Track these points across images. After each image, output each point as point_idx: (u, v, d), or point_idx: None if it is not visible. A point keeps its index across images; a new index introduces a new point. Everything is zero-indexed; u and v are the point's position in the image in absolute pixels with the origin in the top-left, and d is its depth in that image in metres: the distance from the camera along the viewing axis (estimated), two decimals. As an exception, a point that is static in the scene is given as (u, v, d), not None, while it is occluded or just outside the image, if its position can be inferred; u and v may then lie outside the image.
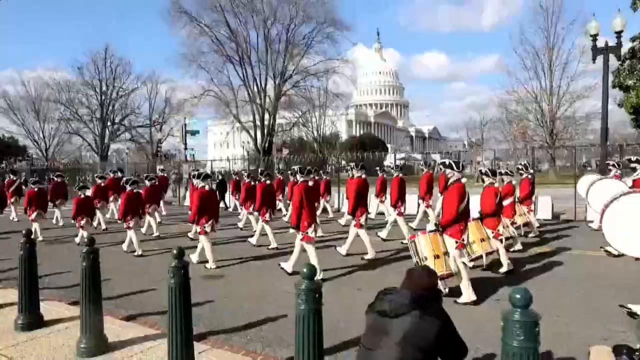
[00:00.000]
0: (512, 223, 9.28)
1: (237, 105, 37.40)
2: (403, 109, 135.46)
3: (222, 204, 20.20)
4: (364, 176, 9.37)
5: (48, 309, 5.70)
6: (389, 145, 79.93)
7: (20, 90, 51.76)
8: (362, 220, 8.96)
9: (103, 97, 51.97)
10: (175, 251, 3.77)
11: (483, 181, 8.14)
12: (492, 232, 7.65)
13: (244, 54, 36.66)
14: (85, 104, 53.28)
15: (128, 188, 10.41)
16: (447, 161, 6.46)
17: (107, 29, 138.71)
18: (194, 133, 30.16)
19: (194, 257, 8.73)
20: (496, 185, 7.97)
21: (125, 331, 5.06)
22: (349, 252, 9.19)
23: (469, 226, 6.90)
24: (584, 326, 5.11)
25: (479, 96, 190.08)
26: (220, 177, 21.67)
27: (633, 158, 9.40)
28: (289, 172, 11.91)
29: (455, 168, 6.24)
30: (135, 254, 9.90)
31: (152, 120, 56.46)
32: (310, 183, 7.82)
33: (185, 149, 29.50)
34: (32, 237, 5.41)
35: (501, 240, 7.87)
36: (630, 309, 5.24)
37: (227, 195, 20.00)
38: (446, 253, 5.99)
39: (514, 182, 9.67)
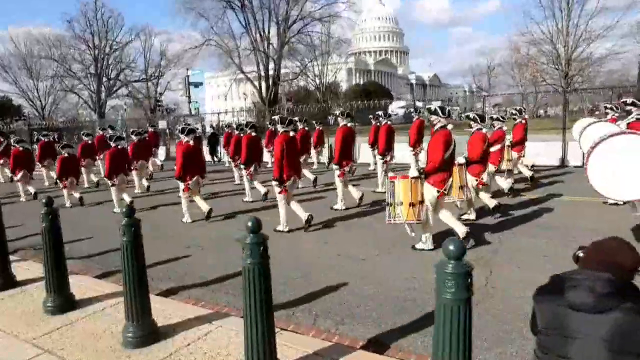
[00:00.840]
0: (497, 170, 9.22)
1: (239, 55, 35.82)
2: (403, 56, 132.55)
3: (215, 158, 20.47)
4: (350, 124, 9.19)
5: (77, 284, 5.04)
6: (393, 94, 78.49)
7: (10, 47, 50.61)
8: (347, 169, 8.91)
9: (97, 52, 50.69)
10: (249, 223, 2.94)
11: (470, 127, 8.00)
12: (476, 179, 7.61)
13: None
14: (78, 60, 52.12)
15: (112, 145, 10.25)
16: (432, 107, 6.35)
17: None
18: (198, 85, 29.51)
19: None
20: (484, 130, 7.80)
21: (173, 310, 4.43)
22: (347, 205, 9.14)
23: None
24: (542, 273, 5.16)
25: (481, 42, 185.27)
26: (212, 130, 21.56)
27: (628, 100, 9.12)
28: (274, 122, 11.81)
29: (440, 114, 6.10)
30: (114, 210, 9.97)
31: (148, 74, 55.45)
32: (291, 134, 7.68)
33: (189, 102, 28.94)
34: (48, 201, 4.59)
35: (487, 185, 7.97)
36: None
37: (220, 149, 19.99)
38: (422, 202, 6.00)
39: (504, 128, 9.50)
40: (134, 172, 12.37)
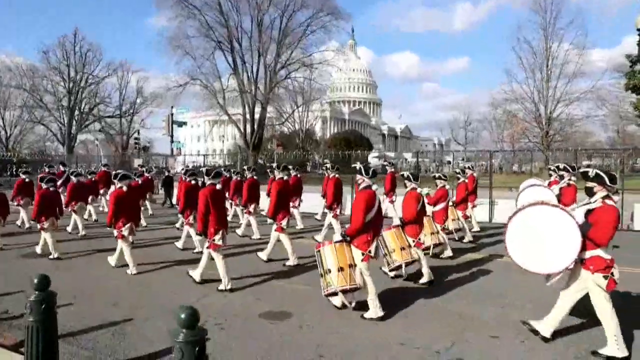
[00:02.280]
0: (443, 229, 9.11)
1: (224, 97, 34.88)
2: (376, 107, 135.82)
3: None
4: (285, 177, 9.28)
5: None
6: (374, 145, 79.27)
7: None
8: (284, 224, 8.61)
9: (71, 84, 49.25)
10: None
11: (406, 186, 7.95)
12: (413, 240, 7.28)
13: (234, 41, 34.25)
14: (50, 91, 50.48)
15: (44, 186, 9.61)
16: (357, 166, 6.14)
17: (74, 14, 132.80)
18: (181, 124, 28.53)
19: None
20: (419, 190, 7.66)
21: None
22: (270, 257, 8.90)
23: (389, 234, 6.94)
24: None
25: (448, 97, 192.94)
26: (166, 173, 20.52)
27: (561, 165, 9.20)
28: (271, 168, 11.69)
29: (364, 174, 5.88)
30: (51, 257, 9.29)
31: (122, 111, 54.16)
32: (218, 186, 7.43)
33: (172, 141, 27.78)
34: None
35: (428, 248, 8.02)
36: (531, 325, 5.13)
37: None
38: (352, 265, 5.71)
39: (447, 187, 9.51)
40: (74, 214, 11.95)
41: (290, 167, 12.41)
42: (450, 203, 10.07)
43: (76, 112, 50.49)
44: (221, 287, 6.99)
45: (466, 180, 10.99)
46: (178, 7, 34.33)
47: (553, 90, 34.24)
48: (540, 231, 4.67)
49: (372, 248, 5.72)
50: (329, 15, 34.88)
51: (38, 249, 9.66)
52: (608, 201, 4.61)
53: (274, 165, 8.21)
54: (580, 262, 4.64)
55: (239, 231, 11.71)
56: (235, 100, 35.96)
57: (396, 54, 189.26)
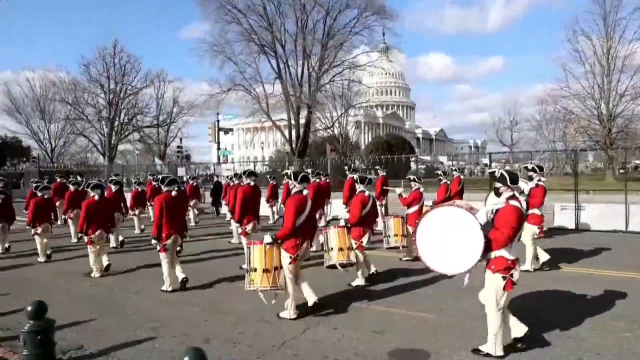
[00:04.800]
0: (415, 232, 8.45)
1: (267, 102, 33.83)
2: (410, 111, 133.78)
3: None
4: (252, 183, 9.39)
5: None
6: (417, 150, 77.28)
7: (25, 88, 49.62)
8: (249, 228, 8.94)
9: (112, 96, 49.74)
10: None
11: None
12: (356, 243, 7.46)
13: (278, 45, 33.24)
14: (91, 104, 51.15)
15: (38, 194, 10.39)
16: (288, 172, 6.44)
17: (109, 26, 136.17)
18: (227, 131, 27.76)
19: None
20: (366, 194, 7.70)
21: None
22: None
23: (334, 232, 7.13)
24: None
25: (482, 99, 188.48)
26: (215, 178, 19.96)
27: (529, 166, 9.04)
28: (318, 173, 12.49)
29: (293, 179, 6.13)
30: (39, 259, 10.05)
31: (160, 120, 54.44)
32: (174, 193, 7.62)
33: (219, 148, 27.04)
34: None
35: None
36: (481, 350, 4.82)
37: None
38: (277, 268, 5.89)
39: (421, 190, 9.59)
40: (70, 221, 12.56)
41: (319, 171, 13.04)
42: (430, 204, 10.13)
43: (116, 123, 50.94)
44: (163, 287, 7.50)
45: (448, 182, 10.82)
46: (221, 12, 33.61)
47: (615, 84, 31.89)
48: (447, 233, 4.68)
49: (300, 252, 5.94)
50: (375, 14, 33.53)
51: (40, 258, 10.17)
52: (512, 202, 4.66)
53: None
54: (487, 262, 4.72)
55: (234, 240, 11.95)
56: (278, 107, 35.09)
57: (428, 56, 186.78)
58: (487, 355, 4.72)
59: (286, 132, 34.64)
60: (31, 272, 9.35)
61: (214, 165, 22.40)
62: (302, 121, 34.12)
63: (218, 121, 26.57)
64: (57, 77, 49.80)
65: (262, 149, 50.91)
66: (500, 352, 4.67)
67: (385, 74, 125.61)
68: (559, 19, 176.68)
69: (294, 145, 33.19)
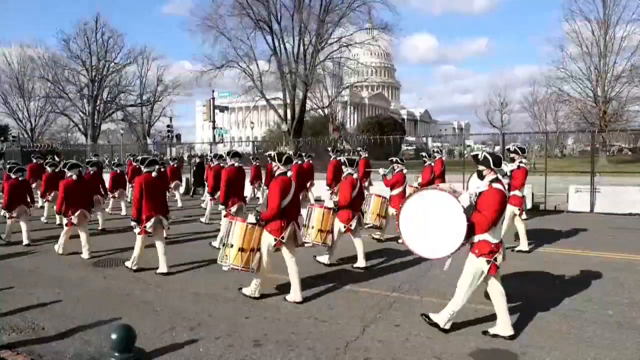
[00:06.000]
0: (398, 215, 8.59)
1: (261, 80, 32.62)
2: (395, 91, 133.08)
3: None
4: (237, 164, 9.10)
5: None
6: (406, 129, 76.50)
7: (1, 64, 47.38)
8: (233, 210, 8.72)
9: (94, 73, 47.85)
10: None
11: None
12: (344, 226, 7.45)
13: (274, 20, 31.98)
14: (72, 81, 49.21)
15: (12, 176, 10.01)
16: (272, 153, 6.30)
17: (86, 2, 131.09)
18: (223, 109, 26.62)
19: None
20: (355, 176, 7.63)
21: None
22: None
23: (317, 212, 7.30)
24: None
25: (467, 80, 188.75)
26: (197, 160, 19.45)
27: (511, 147, 9.06)
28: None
29: (277, 160, 6.02)
30: (24, 243, 9.67)
31: (144, 99, 52.83)
32: (154, 174, 7.45)
33: (214, 127, 25.89)
34: None
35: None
36: (430, 318, 4.97)
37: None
38: (253, 250, 5.83)
39: (405, 171, 9.69)
40: (46, 203, 12.50)
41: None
42: (416, 185, 10.27)
43: (98, 102, 49.19)
44: (127, 263, 7.60)
45: (432, 164, 10.92)
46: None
47: (612, 66, 31.67)
48: (430, 217, 4.63)
49: (286, 234, 5.81)
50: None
51: (3, 237, 9.97)
52: (495, 184, 4.60)
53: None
54: (471, 245, 4.67)
55: (203, 219, 12.28)
56: (272, 86, 33.87)
57: (412, 36, 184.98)
58: (434, 325, 4.83)
59: (280, 111, 33.58)
60: (32, 262, 8.55)
61: (211, 146, 21.42)
62: (297, 100, 33.09)
63: (213, 99, 25.39)
64: (35, 52, 47.77)
65: (252, 129, 49.75)
66: (447, 327, 4.78)
67: (371, 54, 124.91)
68: (543, 1, 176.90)
69: (289, 125, 32.17)
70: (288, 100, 32.63)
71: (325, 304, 5.90)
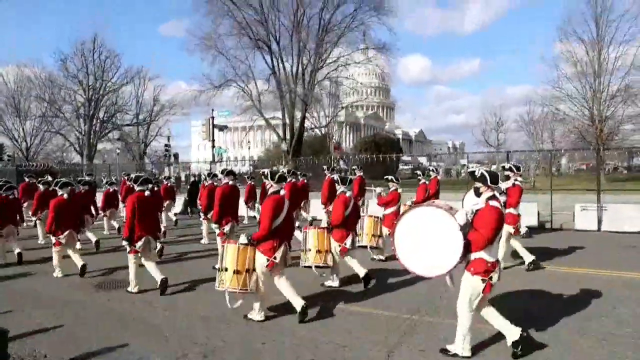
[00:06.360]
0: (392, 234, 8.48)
1: (259, 100, 32.56)
2: (390, 111, 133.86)
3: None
4: (231, 182, 8.97)
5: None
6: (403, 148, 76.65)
7: (-3, 84, 47.09)
8: (227, 229, 8.66)
9: (91, 92, 47.71)
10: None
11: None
12: (339, 245, 7.30)
13: (273, 40, 32.17)
14: (68, 101, 49.00)
15: (3, 194, 9.81)
16: (266, 171, 6.26)
17: (86, 20, 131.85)
18: (222, 128, 26.50)
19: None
20: (348, 194, 7.53)
21: None
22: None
23: (312, 233, 7.21)
24: None
25: (460, 100, 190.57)
26: (193, 179, 19.41)
27: (506, 165, 9.19)
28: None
29: (270, 178, 5.97)
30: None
31: (140, 119, 52.65)
32: (147, 193, 7.42)
33: (213, 146, 25.70)
34: None
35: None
36: (448, 350, 4.74)
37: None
38: (249, 270, 5.76)
39: (399, 190, 9.67)
40: (37, 222, 12.24)
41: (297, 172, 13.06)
42: (409, 204, 10.11)
43: (94, 121, 48.94)
44: (129, 289, 7.37)
45: (427, 182, 10.94)
46: (214, 4, 32.23)
47: (607, 86, 31.95)
48: (425, 234, 4.55)
49: (278, 254, 5.74)
50: (371, 10, 32.67)
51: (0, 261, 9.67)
52: (492, 202, 4.54)
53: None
54: (467, 264, 4.60)
55: (203, 240, 12.19)
56: (270, 105, 33.85)
57: (407, 57, 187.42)
58: (455, 355, 4.63)
59: (279, 131, 33.48)
60: (30, 284, 8.25)
61: (211, 165, 21.22)
62: (295, 120, 33.06)
63: (213, 117, 25.25)
64: (32, 72, 47.63)
65: (249, 148, 49.49)
66: (468, 353, 4.61)
67: (367, 74, 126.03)
68: (535, 23, 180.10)
69: (287, 144, 32.02)
70: (287, 120, 32.56)
71: (342, 327, 5.67)
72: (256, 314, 5.92)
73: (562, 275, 8.19)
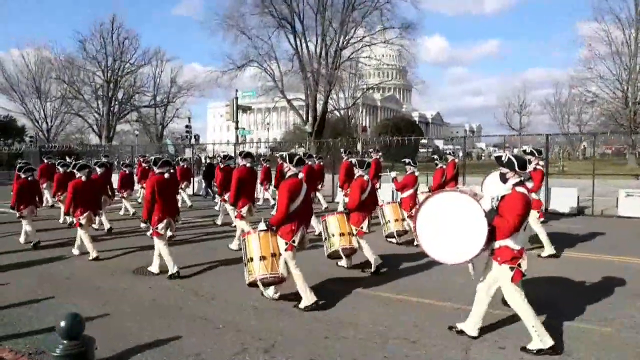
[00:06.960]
0: (410, 216, 8.98)
1: (282, 80, 32.04)
2: (407, 94, 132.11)
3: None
4: (248, 165, 8.83)
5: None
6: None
7: (20, 65, 47.26)
8: (244, 211, 8.61)
9: (110, 74, 47.62)
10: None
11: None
12: (356, 229, 7.21)
13: (296, 18, 31.24)
14: (87, 82, 49.01)
15: (22, 176, 9.91)
16: (284, 154, 6.25)
17: (101, 4, 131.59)
18: (246, 109, 26.02)
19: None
20: (365, 178, 7.41)
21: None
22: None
23: (332, 219, 7.16)
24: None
25: (476, 82, 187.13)
26: (207, 161, 19.13)
27: (527, 149, 9.01)
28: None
29: (289, 161, 5.84)
30: (32, 243, 9.48)
31: (158, 100, 52.51)
32: (166, 175, 7.31)
33: (236, 128, 25.30)
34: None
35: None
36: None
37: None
38: (275, 255, 5.65)
39: (416, 173, 9.55)
40: (58, 203, 12.43)
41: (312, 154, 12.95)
42: (427, 189, 10.07)
43: (113, 102, 48.95)
44: (169, 273, 7.14)
45: (444, 167, 10.65)
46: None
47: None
48: (449, 220, 4.40)
49: (297, 238, 5.63)
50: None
51: (21, 239, 9.91)
52: (519, 188, 4.37)
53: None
54: (491, 252, 4.46)
55: (219, 220, 12.43)
56: (293, 86, 33.24)
57: (424, 38, 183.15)
58: (540, 351, 4.31)
59: (301, 112, 32.92)
60: (67, 268, 8.00)
61: (235, 147, 20.86)
62: (319, 100, 32.38)
63: (237, 98, 24.79)
64: (52, 53, 47.64)
65: (268, 130, 48.97)
66: (550, 342, 4.33)
67: (382, 55, 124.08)
68: (554, 4, 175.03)
69: (310, 125, 31.44)
70: (309, 101, 31.97)
71: (401, 320, 5.27)
72: (307, 299, 5.67)
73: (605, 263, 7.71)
